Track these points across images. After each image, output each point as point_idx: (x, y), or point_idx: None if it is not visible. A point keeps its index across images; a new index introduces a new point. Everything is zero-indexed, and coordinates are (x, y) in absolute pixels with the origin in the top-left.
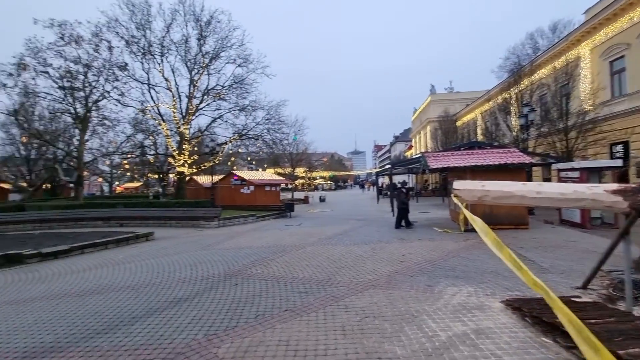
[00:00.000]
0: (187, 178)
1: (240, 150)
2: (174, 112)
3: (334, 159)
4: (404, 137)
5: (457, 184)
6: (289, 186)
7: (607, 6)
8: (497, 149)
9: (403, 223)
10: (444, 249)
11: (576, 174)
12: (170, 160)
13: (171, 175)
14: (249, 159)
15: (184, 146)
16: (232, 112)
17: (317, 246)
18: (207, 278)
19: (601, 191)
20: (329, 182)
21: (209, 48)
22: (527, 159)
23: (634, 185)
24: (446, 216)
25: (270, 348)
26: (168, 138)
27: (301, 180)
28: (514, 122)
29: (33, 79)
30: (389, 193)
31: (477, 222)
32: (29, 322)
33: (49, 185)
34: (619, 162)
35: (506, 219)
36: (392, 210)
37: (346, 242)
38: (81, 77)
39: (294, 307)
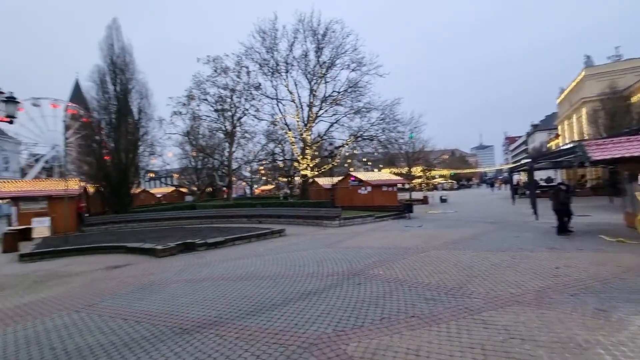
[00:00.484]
0: (310, 180)
1: (355, 151)
2: (297, 121)
3: (455, 156)
4: (546, 124)
5: None
6: (406, 186)
7: None
8: None
9: (569, 227)
10: (620, 264)
11: None
12: (295, 164)
13: (297, 178)
14: (364, 159)
15: (307, 151)
16: (348, 115)
17: (443, 250)
18: (332, 275)
19: None
20: (450, 181)
21: (325, 58)
22: None
23: None
24: (618, 221)
25: (399, 355)
26: (293, 145)
27: (419, 180)
28: None
29: (198, 105)
30: (527, 192)
31: None
32: (199, 298)
33: (210, 189)
34: None
35: None
36: (535, 212)
37: (477, 247)
38: (228, 100)
39: (421, 314)
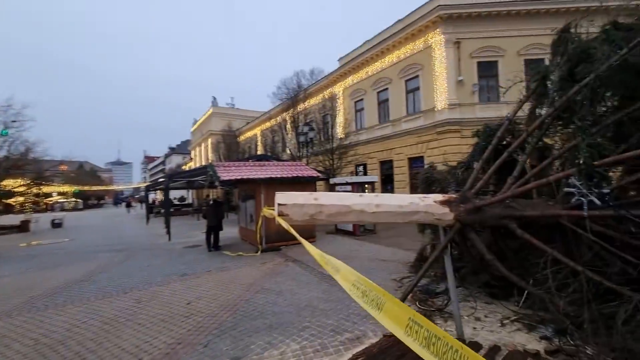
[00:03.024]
0: None
1: None
2: None
3: (84, 170)
4: (182, 149)
5: (282, 198)
6: None
7: (352, 59)
8: (284, 162)
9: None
10: (243, 282)
11: (349, 188)
12: None
13: None
14: None
15: None
16: None
17: (21, 317)
18: None
19: (431, 202)
20: (73, 199)
21: None
22: (315, 173)
23: (455, 196)
24: (234, 235)
25: None
26: None
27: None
28: (292, 140)
29: None
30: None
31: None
32: None
33: None
34: (376, 178)
35: (299, 233)
36: (168, 232)
37: (88, 294)
38: None
39: None
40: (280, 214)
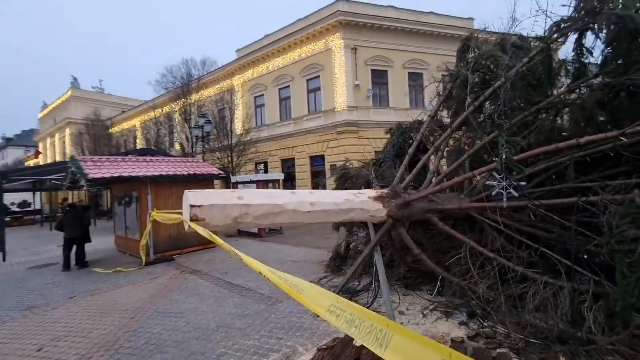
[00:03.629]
0: None
1: None
2: None
3: None
4: (25, 140)
5: (196, 198)
6: None
7: (252, 52)
8: (175, 158)
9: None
10: (126, 306)
11: (253, 186)
12: None
13: None
14: None
15: None
16: None
17: None
18: None
19: (366, 198)
20: None
21: None
22: (214, 170)
23: (386, 191)
24: (107, 246)
25: None
26: None
27: None
28: (183, 134)
29: None
30: None
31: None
32: None
33: None
34: (281, 175)
35: (196, 239)
36: (3, 249)
37: None
38: None
39: None
40: (194, 219)
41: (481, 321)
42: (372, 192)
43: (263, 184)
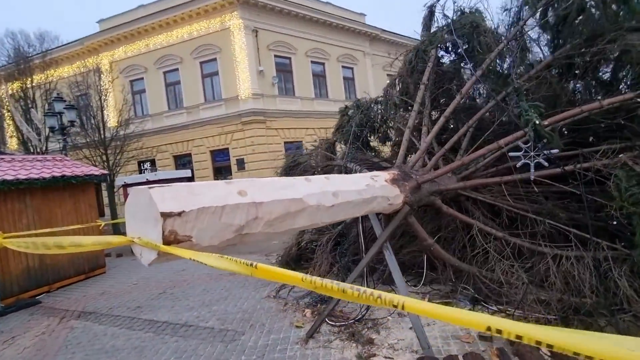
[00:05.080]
0: None
1: None
2: None
3: None
4: None
5: (168, 199)
6: None
7: (122, 24)
8: (25, 157)
9: None
10: None
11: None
12: None
13: None
14: None
15: None
16: None
17: None
18: None
19: (383, 182)
20: None
21: None
22: (93, 170)
23: (396, 172)
24: None
25: None
26: None
27: None
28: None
29: None
30: None
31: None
32: None
33: None
34: (189, 173)
35: (72, 267)
36: None
37: None
38: None
39: None
40: (171, 240)
41: (486, 306)
42: (385, 175)
43: None
